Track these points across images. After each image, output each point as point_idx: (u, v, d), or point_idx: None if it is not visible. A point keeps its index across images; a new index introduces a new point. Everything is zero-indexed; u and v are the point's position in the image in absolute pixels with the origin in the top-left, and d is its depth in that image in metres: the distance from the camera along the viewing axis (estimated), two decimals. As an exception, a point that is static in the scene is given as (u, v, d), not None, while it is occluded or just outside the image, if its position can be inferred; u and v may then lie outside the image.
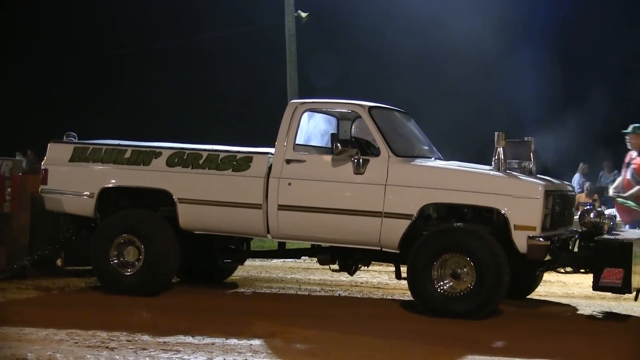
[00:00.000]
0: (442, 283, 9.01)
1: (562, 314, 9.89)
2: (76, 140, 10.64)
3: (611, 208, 19.25)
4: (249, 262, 12.53)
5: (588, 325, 9.18)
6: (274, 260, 13.68)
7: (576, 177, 20.64)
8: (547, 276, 11.32)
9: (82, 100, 28.77)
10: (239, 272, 12.01)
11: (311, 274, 12.44)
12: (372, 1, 23.84)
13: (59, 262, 11.58)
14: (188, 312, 9.06)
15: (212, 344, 7.58)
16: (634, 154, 12.37)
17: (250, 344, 7.60)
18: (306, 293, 10.78)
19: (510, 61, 22.43)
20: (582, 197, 18.66)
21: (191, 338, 7.76)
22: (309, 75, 24.02)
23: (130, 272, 9.95)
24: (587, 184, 20.02)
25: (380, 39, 25.54)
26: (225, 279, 11.50)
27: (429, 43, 23.17)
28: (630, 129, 12.45)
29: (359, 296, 10.65)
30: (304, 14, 22.59)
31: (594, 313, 9.80)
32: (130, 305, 9.35)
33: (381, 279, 12.05)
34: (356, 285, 11.46)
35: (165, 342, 7.57)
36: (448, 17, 23.44)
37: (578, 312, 9.88)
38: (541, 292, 10.94)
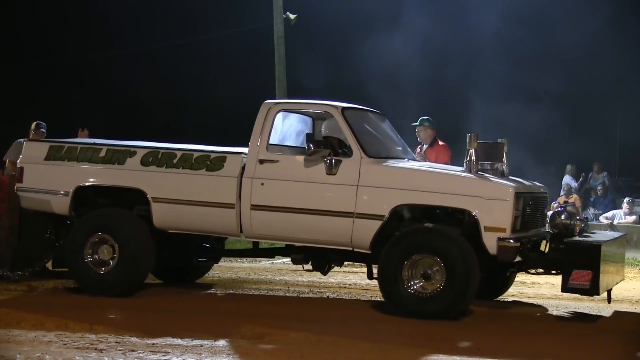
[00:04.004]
0: (412, 283, 9.04)
1: (534, 314, 9.93)
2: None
3: (601, 210, 19.38)
4: (237, 264, 12.55)
5: (559, 326, 9.24)
6: (262, 262, 13.71)
7: (566, 179, 20.69)
8: (520, 277, 11.37)
9: (70, 101, 28.73)
10: (227, 274, 12.02)
11: (299, 276, 12.40)
12: (362, 3, 23.83)
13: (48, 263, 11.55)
14: (176, 314, 9.04)
15: (201, 345, 7.57)
16: (424, 146, 12.42)
17: (239, 346, 7.60)
18: (294, 295, 10.80)
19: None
20: (568, 199, 18.73)
21: (180, 340, 7.74)
22: (297, 77, 24.01)
23: (104, 270, 9.97)
24: (566, 185, 20.07)
25: (371, 40, 25.54)
26: (200, 277, 11.53)
27: (422, 44, 23.17)
28: (418, 121, 12.53)
29: (347, 298, 10.64)
30: (292, 16, 22.58)
31: (565, 314, 9.85)
32: (119, 306, 9.36)
33: (370, 281, 12.04)
34: (344, 287, 11.47)
35: (153, 344, 7.56)
36: (438, 19, 23.48)
37: (549, 313, 9.93)
38: (514, 292, 10.99)
